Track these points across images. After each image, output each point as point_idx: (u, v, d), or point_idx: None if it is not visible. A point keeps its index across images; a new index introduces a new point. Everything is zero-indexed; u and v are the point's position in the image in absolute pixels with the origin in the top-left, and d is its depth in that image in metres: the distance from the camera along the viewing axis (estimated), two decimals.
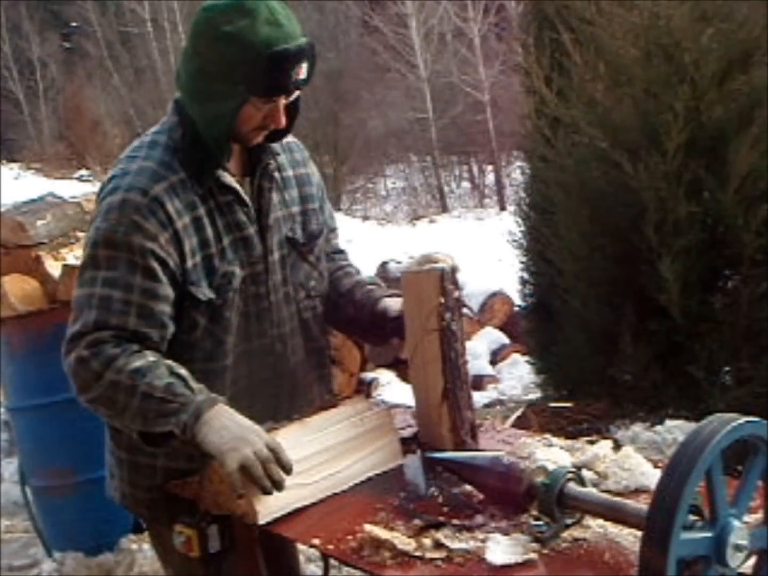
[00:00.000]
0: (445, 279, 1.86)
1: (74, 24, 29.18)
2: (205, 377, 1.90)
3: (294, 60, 1.82)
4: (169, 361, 1.84)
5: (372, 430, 1.85)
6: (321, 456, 1.80)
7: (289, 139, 2.11)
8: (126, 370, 1.80)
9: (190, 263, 1.89)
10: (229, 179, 1.95)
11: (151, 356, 1.83)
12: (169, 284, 1.87)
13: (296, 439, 1.80)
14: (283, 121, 1.91)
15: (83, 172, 22.55)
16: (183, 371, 1.83)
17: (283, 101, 1.89)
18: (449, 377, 1.86)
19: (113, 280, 1.84)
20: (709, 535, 1.34)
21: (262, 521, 1.72)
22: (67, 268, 3.74)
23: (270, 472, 1.69)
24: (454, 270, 1.90)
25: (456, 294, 1.88)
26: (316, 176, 2.17)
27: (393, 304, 2.05)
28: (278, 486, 1.69)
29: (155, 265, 1.85)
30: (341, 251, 2.26)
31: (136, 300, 1.84)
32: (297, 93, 1.92)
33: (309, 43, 1.86)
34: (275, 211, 2.01)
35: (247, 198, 1.97)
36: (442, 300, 1.85)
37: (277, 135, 1.99)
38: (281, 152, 2.07)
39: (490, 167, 22.83)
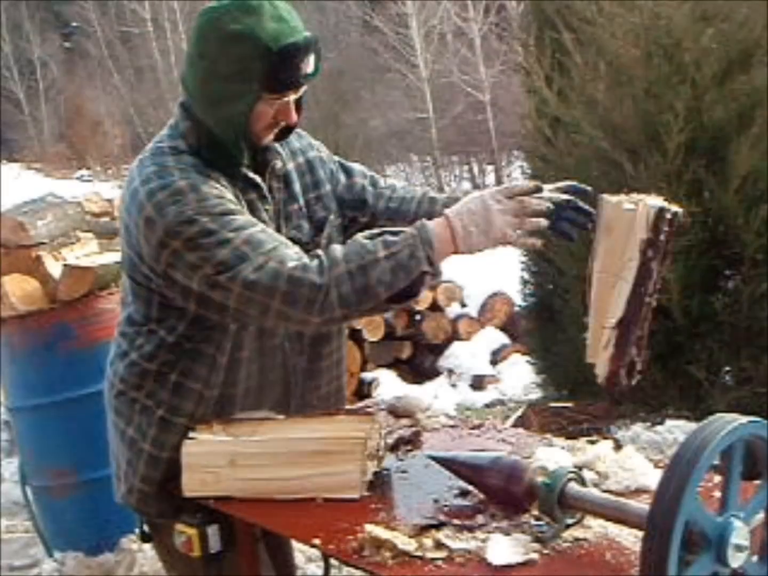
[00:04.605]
0: (660, 218, 1.71)
1: (74, 24, 29.16)
2: (228, 367, 1.96)
3: (303, 53, 1.84)
4: (356, 235, 1.84)
5: (336, 454, 1.79)
6: (273, 458, 1.81)
7: None
8: (341, 262, 1.77)
9: None
10: (255, 176, 1.96)
11: (337, 245, 1.84)
12: None
13: (261, 436, 1.86)
14: (295, 117, 1.92)
15: (84, 172, 22.57)
16: (374, 230, 1.84)
17: (293, 97, 1.90)
18: (631, 309, 1.73)
19: (233, 227, 1.80)
20: (708, 560, 1.34)
21: (187, 494, 1.84)
22: (68, 268, 3.74)
23: (534, 220, 1.74)
24: (670, 213, 1.73)
25: (663, 237, 1.72)
26: (323, 153, 2.15)
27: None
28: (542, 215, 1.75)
29: (236, 207, 1.86)
30: (386, 186, 2.19)
31: (268, 227, 1.87)
32: (304, 88, 1.92)
33: (314, 35, 1.88)
34: (284, 209, 2.03)
35: (269, 195, 1.99)
36: (651, 236, 1.71)
37: (284, 133, 1.99)
38: (280, 148, 2.06)
39: (490, 167, 22.81)
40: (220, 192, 1.86)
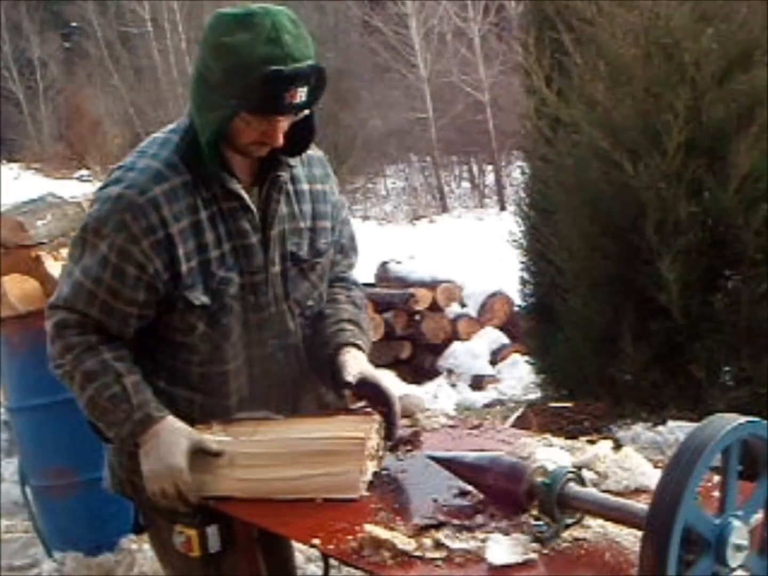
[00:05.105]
0: None
1: (74, 24, 29.15)
2: (206, 380, 1.95)
3: (287, 82, 1.77)
4: (119, 365, 1.90)
5: (336, 454, 1.80)
6: (273, 458, 1.81)
7: (314, 152, 2.07)
8: (79, 369, 1.90)
9: (184, 267, 1.88)
10: (234, 185, 1.92)
11: (106, 353, 1.91)
12: (142, 289, 1.89)
13: (252, 435, 1.88)
14: (280, 140, 1.87)
15: (83, 172, 22.56)
16: (130, 380, 1.89)
17: (282, 121, 1.85)
18: None
19: (88, 269, 1.90)
20: (708, 562, 1.34)
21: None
22: None
23: (175, 502, 1.85)
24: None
25: None
26: (335, 196, 2.12)
27: (350, 361, 1.97)
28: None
29: (129, 268, 1.88)
30: (344, 279, 2.17)
31: (101, 296, 1.90)
32: (304, 113, 1.87)
33: (312, 66, 1.80)
34: (282, 223, 1.98)
35: (252, 206, 1.94)
36: None
37: (294, 150, 1.95)
38: (299, 165, 2.03)
39: (490, 167, 22.83)
40: (143, 209, 1.87)
